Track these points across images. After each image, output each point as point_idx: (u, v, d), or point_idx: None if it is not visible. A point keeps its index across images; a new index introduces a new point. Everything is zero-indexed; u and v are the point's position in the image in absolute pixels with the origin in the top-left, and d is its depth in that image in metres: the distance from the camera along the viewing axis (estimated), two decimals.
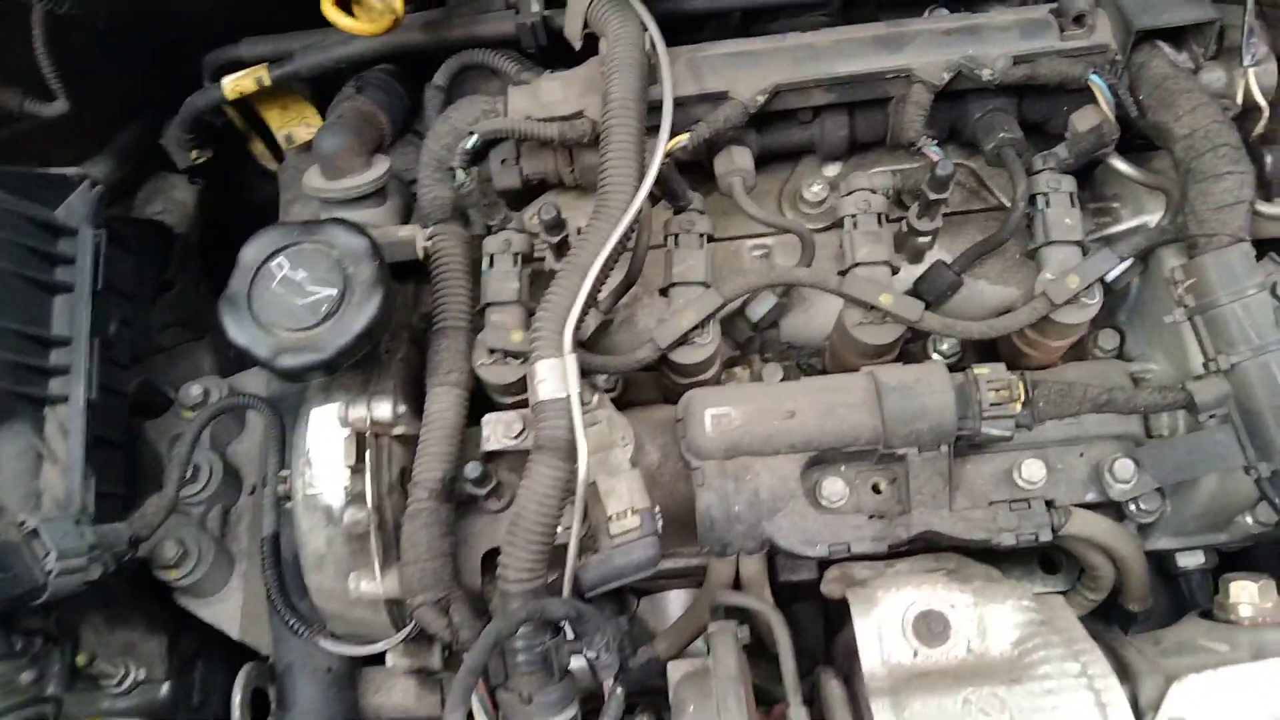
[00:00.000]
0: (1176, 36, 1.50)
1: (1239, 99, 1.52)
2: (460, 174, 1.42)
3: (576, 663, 1.28)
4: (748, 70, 1.48)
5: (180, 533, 1.72)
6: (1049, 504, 1.38)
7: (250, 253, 1.31)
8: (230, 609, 1.77)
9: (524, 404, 1.44)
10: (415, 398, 1.46)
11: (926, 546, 1.41)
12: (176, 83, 2.01)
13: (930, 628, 1.21)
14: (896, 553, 1.39)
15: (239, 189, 2.45)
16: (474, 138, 1.42)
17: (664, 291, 1.48)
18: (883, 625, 1.23)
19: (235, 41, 1.80)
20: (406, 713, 1.57)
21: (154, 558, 1.69)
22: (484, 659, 1.09)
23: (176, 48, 1.98)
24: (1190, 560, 1.57)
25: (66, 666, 1.55)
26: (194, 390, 1.88)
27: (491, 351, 1.41)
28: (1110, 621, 1.58)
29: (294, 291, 1.28)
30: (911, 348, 1.54)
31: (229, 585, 1.78)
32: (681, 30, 1.67)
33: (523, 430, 1.40)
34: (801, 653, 1.54)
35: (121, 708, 1.70)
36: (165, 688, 1.76)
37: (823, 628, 1.64)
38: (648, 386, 1.60)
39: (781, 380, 1.56)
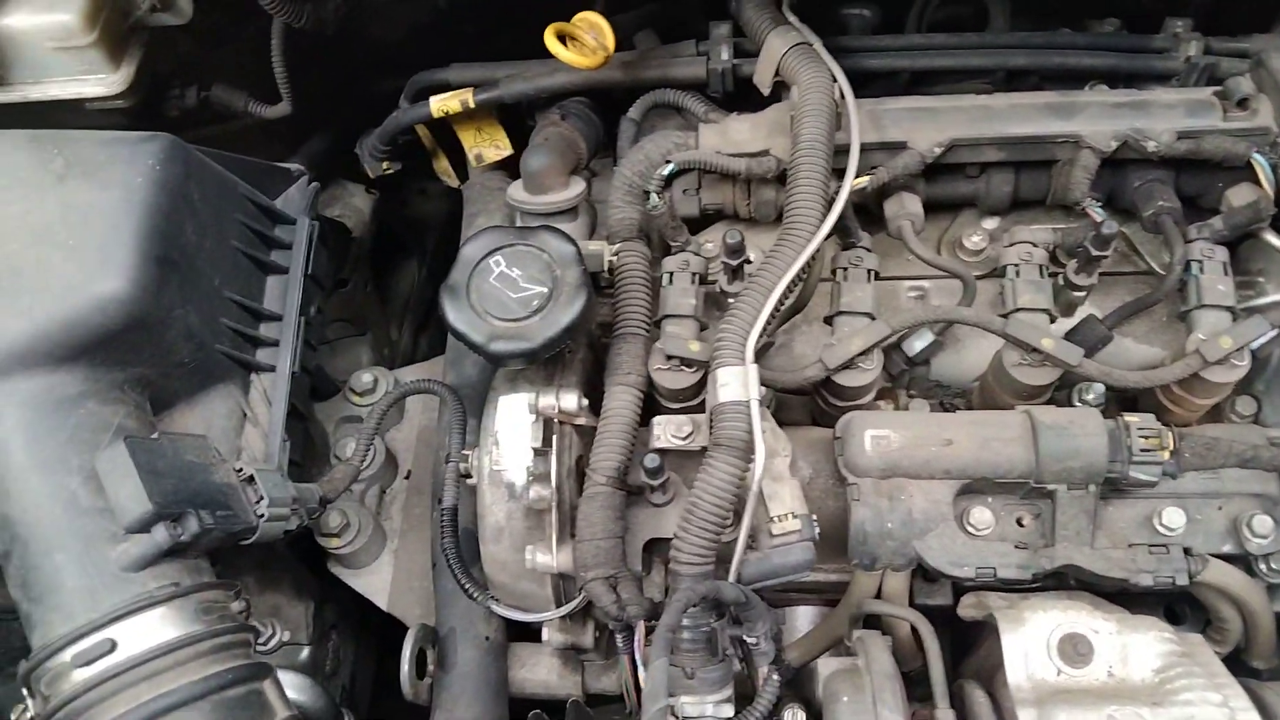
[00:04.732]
0: None
1: None
2: (654, 196, 1.56)
3: None
4: (926, 124, 1.61)
5: (344, 505, 1.84)
6: (1186, 551, 1.45)
7: (471, 249, 1.46)
8: (381, 581, 1.88)
9: (690, 409, 1.56)
10: (590, 395, 1.59)
11: (1058, 585, 1.49)
12: (361, 101, 2.22)
13: (1076, 648, 1.28)
14: (1029, 588, 1.47)
15: (401, 205, 2.64)
16: (670, 165, 1.57)
17: (828, 320, 1.60)
18: (1029, 643, 1.30)
19: (442, 67, 1.97)
20: (548, 689, 1.67)
21: (319, 524, 1.82)
22: (679, 618, 1.20)
23: (363, 69, 2.19)
24: None
25: None
26: (365, 378, 2.03)
27: (669, 358, 1.53)
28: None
29: (509, 286, 1.42)
30: (1057, 396, 1.63)
31: (380, 559, 1.89)
32: (853, 86, 1.80)
33: (691, 432, 1.51)
34: (925, 677, 1.63)
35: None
36: (306, 652, 1.85)
37: (950, 654, 1.70)
38: (796, 409, 1.71)
39: None
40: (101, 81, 1.79)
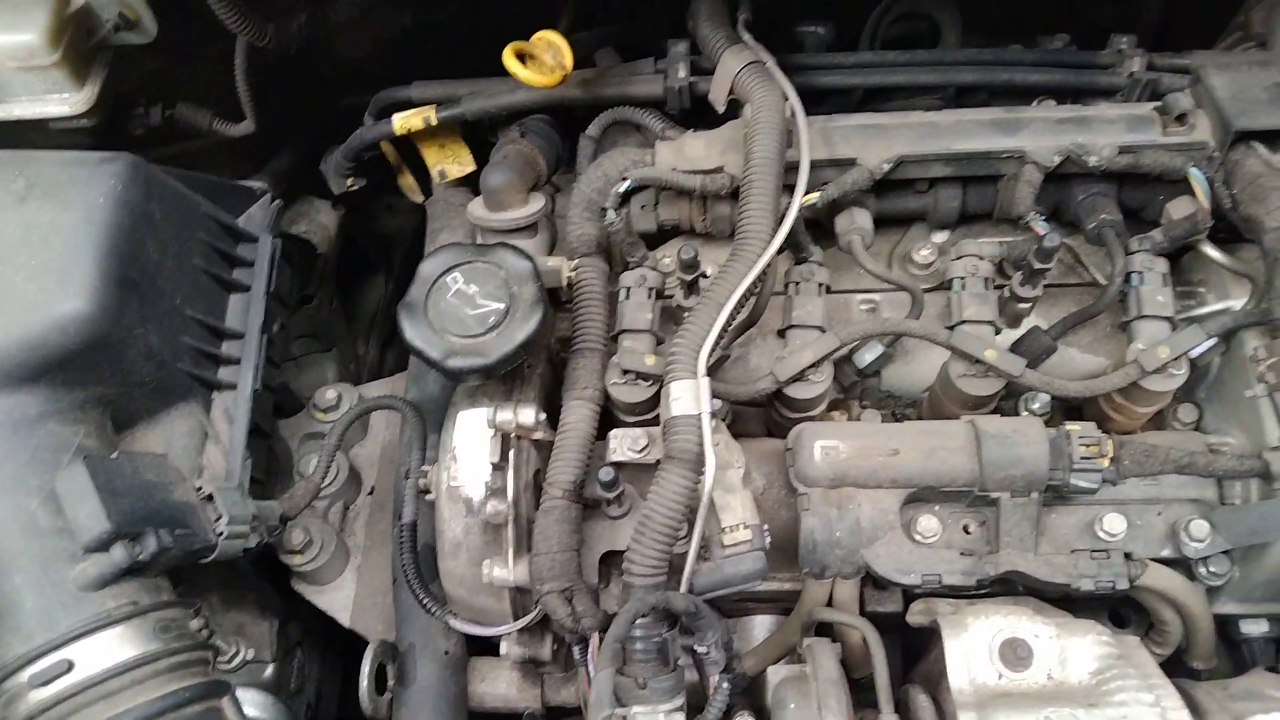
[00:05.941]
0: (1273, 138, 1.64)
1: None
2: (611, 213, 1.59)
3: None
4: (875, 141, 1.65)
5: (307, 522, 1.84)
6: (1127, 556, 1.48)
7: (428, 267, 1.48)
8: (344, 598, 1.87)
9: (646, 423, 1.59)
10: (549, 410, 1.61)
11: (1005, 590, 1.53)
12: (326, 117, 2.23)
13: (1016, 652, 1.32)
14: (977, 594, 1.51)
15: (368, 220, 2.66)
16: (627, 182, 1.60)
17: (781, 333, 1.63)
18: (970, 648, 1.34)
19: (407, 83, 2.00)
20: (507, 703, 1.69)
21: (281, 542, 1.81)
22: (628, 629, 1.22)
23: (329, 86, 2.20)
24: (1254, 628, 1.65)
25: None
26: (329, 394, 2.02)
27: (625, 372, 1.56)
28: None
29: (466, 303, 1.45)
30: (1004, 405, 1.67)
31: (343, 576, 1.88)
32: (807, 103, 1.84)
33: (646, 445, 1.54)
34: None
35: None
36: (270, 670, 1.84)
37: (900, 659, 1.74)
38: (753, 421, 1.75)
39: None
40: (65, 101, 1.80)
